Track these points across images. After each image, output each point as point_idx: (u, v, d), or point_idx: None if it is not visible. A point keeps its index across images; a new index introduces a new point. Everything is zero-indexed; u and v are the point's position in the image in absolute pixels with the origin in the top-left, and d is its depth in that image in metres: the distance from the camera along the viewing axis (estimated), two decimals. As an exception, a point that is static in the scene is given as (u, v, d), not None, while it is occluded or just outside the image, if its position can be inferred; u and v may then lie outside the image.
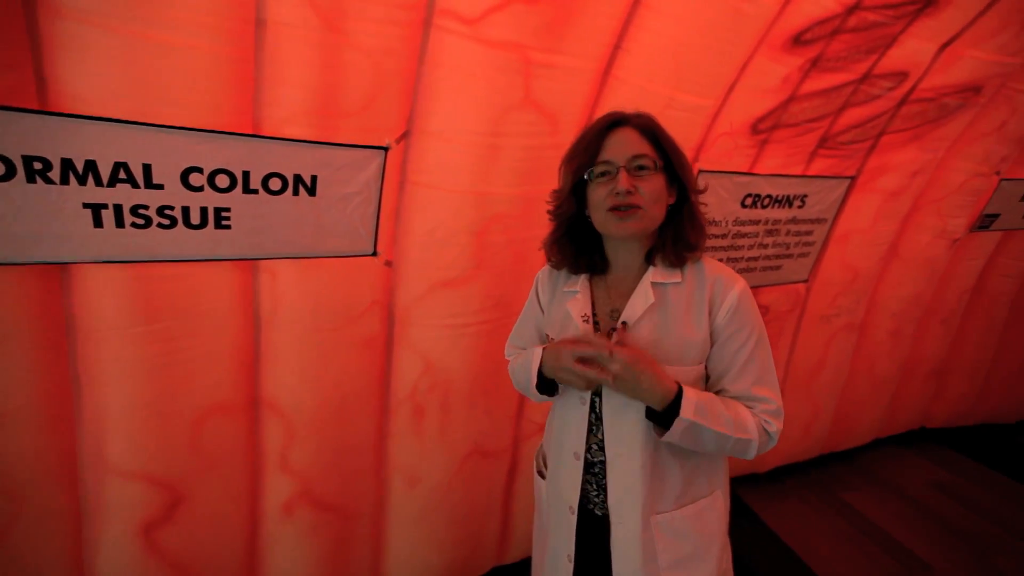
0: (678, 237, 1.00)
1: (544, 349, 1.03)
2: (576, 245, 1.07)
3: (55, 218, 0.97)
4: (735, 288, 0.97)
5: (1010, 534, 2.36)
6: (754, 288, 2.26)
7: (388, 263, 1.44)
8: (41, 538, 1.20)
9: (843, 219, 2.28)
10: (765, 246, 2.17)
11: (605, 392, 0.99)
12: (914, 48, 1.82)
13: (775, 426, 0.97)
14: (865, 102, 1.93)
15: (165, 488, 1.30)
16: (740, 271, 2.16)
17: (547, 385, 1.06)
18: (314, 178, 1.20)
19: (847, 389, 2.75)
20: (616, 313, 1.02)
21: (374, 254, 1.39)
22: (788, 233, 2.19)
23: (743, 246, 2.11)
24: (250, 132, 1.09)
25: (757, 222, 2.08)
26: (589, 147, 0.96)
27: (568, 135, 1.04)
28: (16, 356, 1.05)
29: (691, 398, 0.91)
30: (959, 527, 2.41)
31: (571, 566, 1.11)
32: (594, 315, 1.05)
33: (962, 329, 2.98)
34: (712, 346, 0.99)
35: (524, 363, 1.10)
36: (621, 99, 1.45)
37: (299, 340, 1.38)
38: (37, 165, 0.92)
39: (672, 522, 1.01)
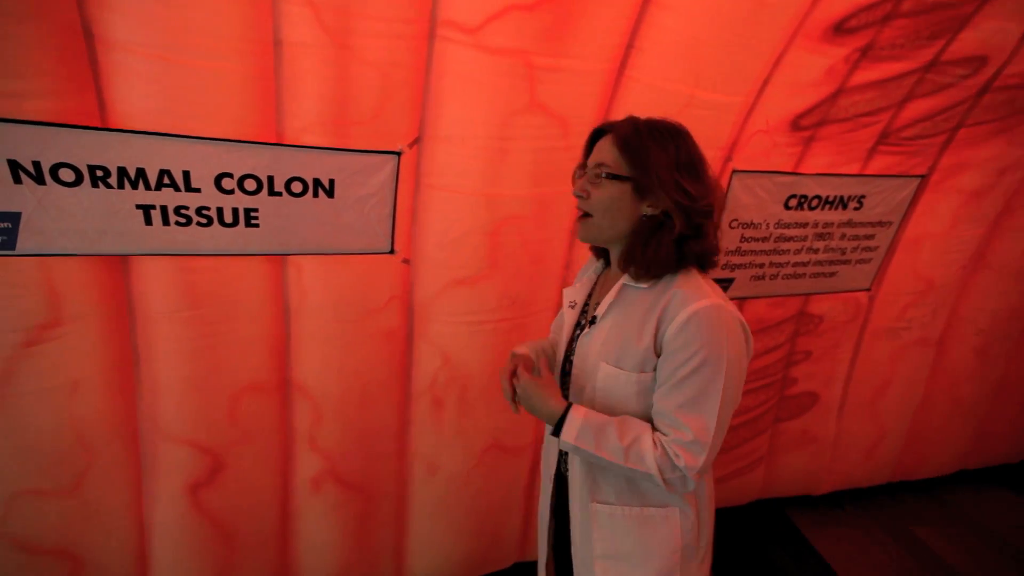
0: (633, 255, 0.98)
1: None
2: None
3: (114, 217, 1.15)
4: (691, 306, 0.91)
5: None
6: (805, 296, 2.11)
7: (406, 261, 1.53)
8: (110, 487, 1.41)
9: (913, 222, 2.06)
10: (815, 250, 2.02)
11: (573, 373, 1.09)
12: (993, 29, 1.61)
13: (684, 460, 0.89)
14: (934, 92, 1.74)
15: (208, 454, 1.48)
16: (786, 277, 2.04)
17: None
18: (332, 181, 1.31)
19: (922, 412, 2.47)
20: (597, 305, 1.09)
21: (391, 252, 1.48)
22: (843, 237, 2.02)
23: (788, 250, 1.98)
24: (273, 141, 1.22)
25: (805, 224, 1.94)
26: (584, 152, 1.06)
27: (580, 137, 1.08)
28: (88, 331, 1.26)
29: (575, 422, 0.95)
30: (1055, 579, 2.09)
31: (547, 525, 1.23)
32: (586, 303, 1.14)
33: (1076, 351, 2.56)
34: (658, 359, 0.97)
35: None
36: (636, 99, 1.44)
37: (324, 329, 1.51)
38: (99, 172, 1.10)
39: (612, 516, 1.04)
